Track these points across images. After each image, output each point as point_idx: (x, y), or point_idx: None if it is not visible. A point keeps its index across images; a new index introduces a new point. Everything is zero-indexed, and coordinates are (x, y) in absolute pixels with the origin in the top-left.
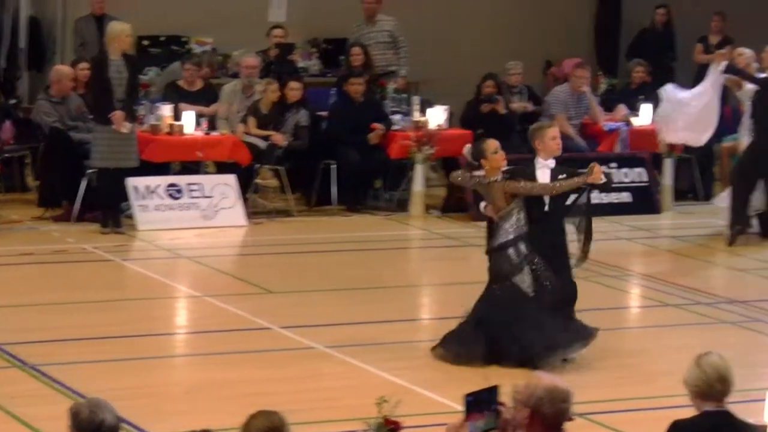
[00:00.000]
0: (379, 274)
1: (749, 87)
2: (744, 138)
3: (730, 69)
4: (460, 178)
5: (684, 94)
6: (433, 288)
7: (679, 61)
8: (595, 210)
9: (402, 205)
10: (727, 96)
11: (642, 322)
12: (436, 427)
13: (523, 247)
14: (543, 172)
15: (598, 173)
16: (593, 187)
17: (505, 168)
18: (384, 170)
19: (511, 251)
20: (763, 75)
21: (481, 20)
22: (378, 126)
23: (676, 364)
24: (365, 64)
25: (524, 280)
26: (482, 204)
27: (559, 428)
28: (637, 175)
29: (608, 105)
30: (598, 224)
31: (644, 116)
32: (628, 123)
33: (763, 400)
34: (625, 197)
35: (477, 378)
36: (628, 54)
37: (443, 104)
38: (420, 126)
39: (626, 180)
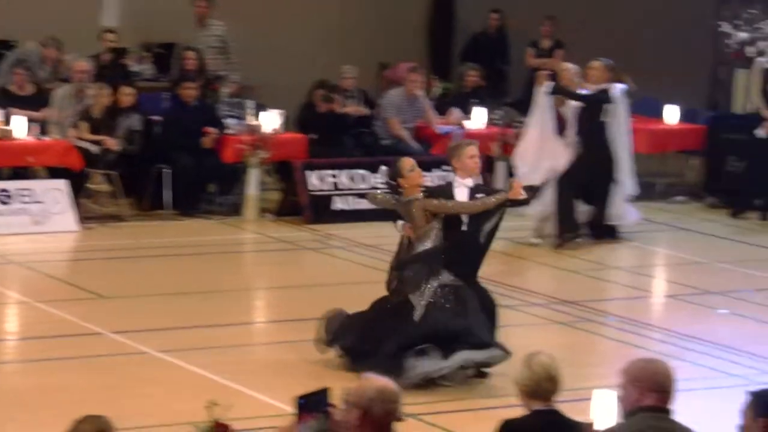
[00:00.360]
0: (212, 278)
1: (573, 103)
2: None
3: (556, 90)
4: (379, 197)
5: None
6: (267, 291)
7: (511, 65)
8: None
9: (236, 209)
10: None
11: None
12: (266, 430)
13: (431, 268)
14: (461, 191)
15: (518, 189)
16: (514, 203)
17: (423, 187)
18: (218, 174)
19: (417, 268)
20: (586, 91)
21: (315, 24)
22: (211, 130)
23: (507, 364)
24: (199, 69)
25: (419, 304)
26: (399, 223)
27: (389, 429)
28: None
29: (442, 109)
30: None
31: (477, 119)
32: (461, 126)
33: (590, 398)
34: None
35: (309, 380)
36: (462, 58)
37: (278, 108)
38: (254, 130)
39: None
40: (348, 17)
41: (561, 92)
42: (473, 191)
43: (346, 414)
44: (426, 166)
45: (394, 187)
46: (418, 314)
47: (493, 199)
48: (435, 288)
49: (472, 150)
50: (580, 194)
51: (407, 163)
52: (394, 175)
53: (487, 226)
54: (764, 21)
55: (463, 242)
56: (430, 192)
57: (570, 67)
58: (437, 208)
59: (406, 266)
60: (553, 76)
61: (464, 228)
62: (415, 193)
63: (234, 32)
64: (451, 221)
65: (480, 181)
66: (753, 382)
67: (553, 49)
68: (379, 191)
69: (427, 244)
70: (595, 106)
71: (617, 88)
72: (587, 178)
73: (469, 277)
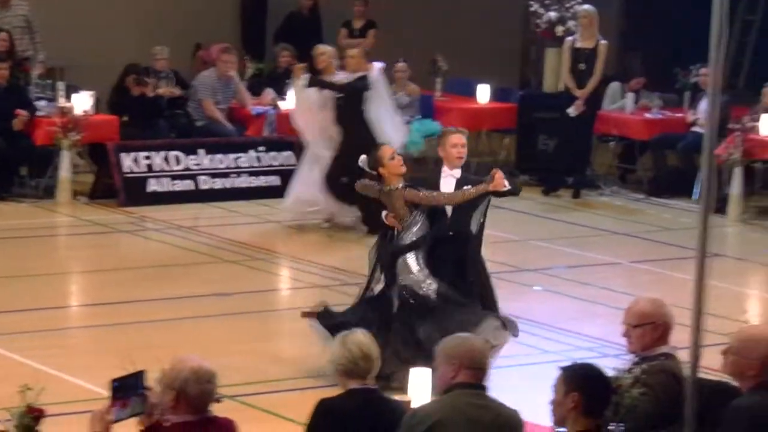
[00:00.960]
0: (26, 262)
1: (329, 93)
2: None
3: (313, 82)
4: (365, 185)
5: None
6: (81, 275)
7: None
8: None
9: (49, 192)
10: None
11: (291, 304)
12: (81, 414)
13: (415, 258)
14: (447, 181)
15: (500, 180)
16: (496, 194)
17: (407, 176)
18: (29, 157)
19: (402, 260)
20: (342, 76)
21: (128, 4)
22: (22, 112)
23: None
24: (8, 50)
25: (394, 291)
26: (383, 213)
27: (206, 410)
28: (286, 158)
29: (255, 89)
30: (248, 208)
31: (290, 100)
32: (276, 107)
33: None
34: (274, 180)
35: (124, 363)
36: (275, 38)
37: (89, 90)
38: (65, 112)
39: (275, 163)
40: None
41: (317, 84)
42: (460, 182)
43: (162, 396)
44: (240, 147)
45: (375, 177)
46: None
47: (473, 190)
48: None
49: (455, 138)
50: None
51: (387, 151)
52: (374, 164)
53: (476, 217)
54: (573, 0)
55: (448, 234)
56: (414, 182)
57: (328, 50)
58: (420, 200)
59: (399, 254)
60: (313, 69)
61: (449, 220)
62: (396, 182)
63: (42, 11)
64: (435, 212)
65: (463, 171)
66: (567, 357)
67: (366, 29)
68: (367, 179)
69: (410, 235)
70: (355, 95)
71: (375, 70)
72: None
73: (457, 271)
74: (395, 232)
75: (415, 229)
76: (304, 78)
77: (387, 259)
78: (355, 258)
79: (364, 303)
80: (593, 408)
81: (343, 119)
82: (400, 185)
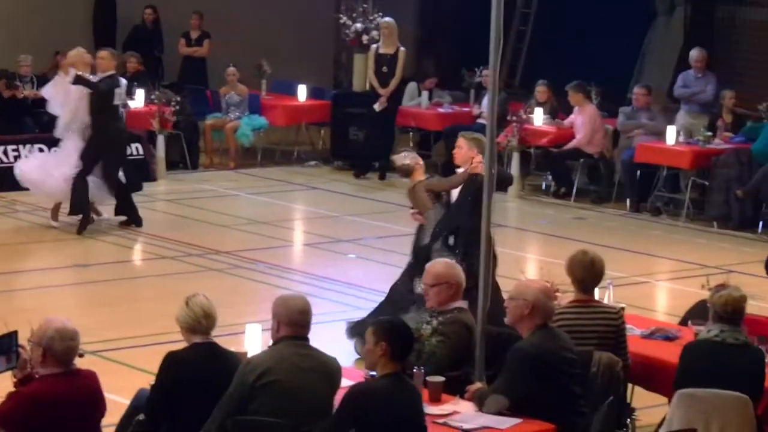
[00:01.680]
0: None
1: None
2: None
3: (77, 80)
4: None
5: None
6: None
7: (165, 53)
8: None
9: None
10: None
11: (145, 272)
12: None
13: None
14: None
15: (477, 164)
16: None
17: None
18: None
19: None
20: (96, 78)
21: None
22: None
23: (172, 307)
24: None
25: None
26: (411, 211)
27: (70, 363)
28: (135, 149)
29: None
30: None
31: (138, 100)
32: (126, 105)
33: (243, 332)
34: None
35: None
36: (124, 47)
37: None
38: None
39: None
40: (21, 9)
41: (80, 82)
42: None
43: (32, 352)
44: None
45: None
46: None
47: (459, 176)
48: None
49: (459, 141)
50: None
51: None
52: (406, 172)
53: (464, 206)
54: (376, 13)
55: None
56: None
57: (81, 51)
58: (434, 186)
59: (421, 255)
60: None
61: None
62: (419, 177)
63: None
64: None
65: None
66: None
67: (202, 39)
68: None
69: (432, 227)
70: (107, 92)
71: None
72: (101, 158)
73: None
74: (421, 227)
75: (432, 222)
76: (70, 75)
77: (420, 257)
78: (195, 232)
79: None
80: (398, 354)
81: (94, 113)
82: (423, 179)
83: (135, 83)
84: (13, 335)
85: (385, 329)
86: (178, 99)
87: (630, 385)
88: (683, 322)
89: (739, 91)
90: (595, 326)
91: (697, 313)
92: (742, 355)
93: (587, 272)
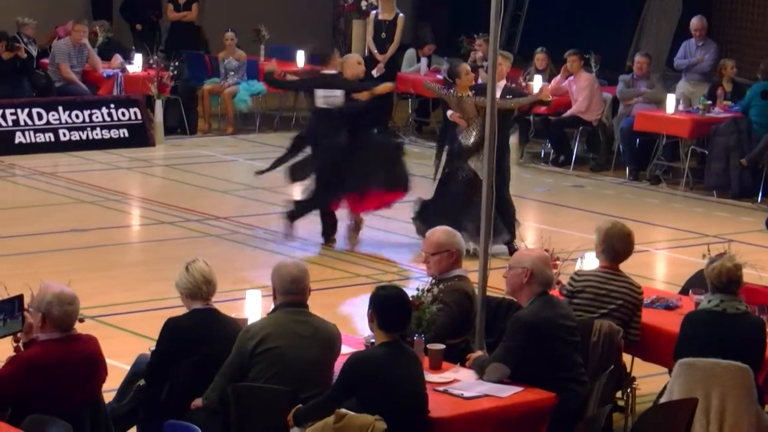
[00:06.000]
0: None
1: None
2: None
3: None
4: (433, 86)
5: None
6: None
7: (162, 18)
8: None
9: None
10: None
11: (143, 237)
12: None
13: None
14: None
15: (546, 91)
16: (542, 103)
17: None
18: None
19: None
20: None
21: None
22: None
23: (170, 272)
24: None
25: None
26: (449, 112)
27: (70, 328)
28: (133, 114)
29: (106, 55)
30: (101, 157)
31: (137, 64)
32: (124, 70)
33: (243, 298)
34: (123, 133)
35: None
36: (121, 11)
37: None
38: None
39: (123, 118)
40: None
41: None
42: (503, 94)
43: (32, 317)
44: (93, 104)
45: (449, 83)
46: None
47: (525, 99)
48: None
49: (464, 67)
50: None
51: (465, 68)
52: (453, 75)
53: (510, 128)
54: None
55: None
56: (477, 90)
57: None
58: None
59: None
60: None
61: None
62: (466, 92)
63: None
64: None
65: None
66: (375, 281)
67: (190, 3)
68: (433, 83)
69: (474, 134)
70: None
71: None
72: None
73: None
74: (457, 129)
75: (475, 131)
76: None
77: (457, 153)
78: (193, 197)
79: (440, 185)
80: (386, 324)
81: None
82: (470, 93)
83: (133, 47)
84: (17, 299)
85: (374, 298)
86: (176, 64)
87: (630, 356)
88: (684, 291)
89: (737, 59)
90: (619, 295)
91: (697, 282)
92: (743, 324)
93: (623, 245)
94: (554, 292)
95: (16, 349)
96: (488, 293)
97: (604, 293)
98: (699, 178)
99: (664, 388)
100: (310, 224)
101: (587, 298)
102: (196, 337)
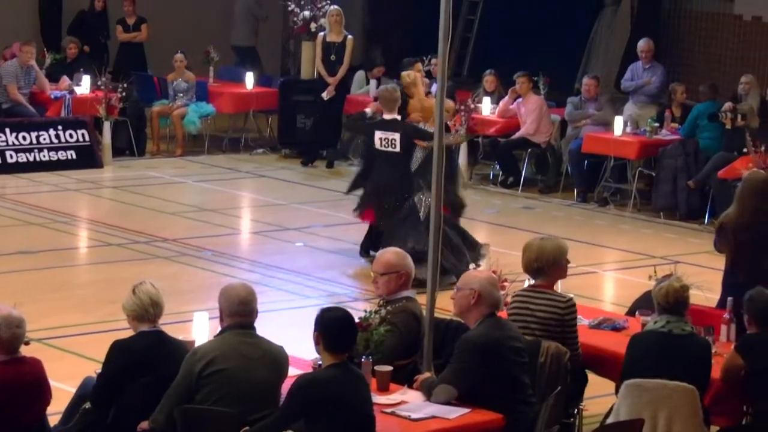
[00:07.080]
0: None
1: None
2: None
3: None
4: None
5: None
6: None
7: (111, 39)
8: None
9: None
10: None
11: (91, 259)
12: None
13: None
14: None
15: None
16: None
17: None
18: None
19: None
20: None
21: None
22: None
23: (118, 294)
24: None
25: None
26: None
27: (16, 351)
28: (81, 135)
29: (54, 77)
30: (49, 179)
31: (85, 85)
32: (72, 91)
33: (191, 320)
34: (71, 155)
35: None
36: (69, 33)
37: None
38: None
39: (71, 140)
40: None
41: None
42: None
43: None
44: (41, 126)
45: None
46: (423, 213)
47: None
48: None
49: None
50: None
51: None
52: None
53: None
54: (324, 1)
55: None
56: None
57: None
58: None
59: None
60: None
61: None
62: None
63: None
64: None
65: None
66: (324, 302)
67: (138, 24)
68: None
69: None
70: None
71: None
72: None
73: None
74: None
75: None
76: None
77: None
78: (141, 219)
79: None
80: (332, 345)
81: None
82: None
83: (81, 69)
84: None
85: (318, 320)
86: (125, 85)
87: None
88: (631, 312)
89: (684, 81)
90: (538, 312)
91: (644, 303)
92: (689, 345)
93: (544, 261)
94: (502, 313)
95: None
96: (436, 314)
97: (523, 314)
98: (647, 200)
99: (611, 408)
100: (258, 245)
101: (514, 318)
102: (143, 360)
